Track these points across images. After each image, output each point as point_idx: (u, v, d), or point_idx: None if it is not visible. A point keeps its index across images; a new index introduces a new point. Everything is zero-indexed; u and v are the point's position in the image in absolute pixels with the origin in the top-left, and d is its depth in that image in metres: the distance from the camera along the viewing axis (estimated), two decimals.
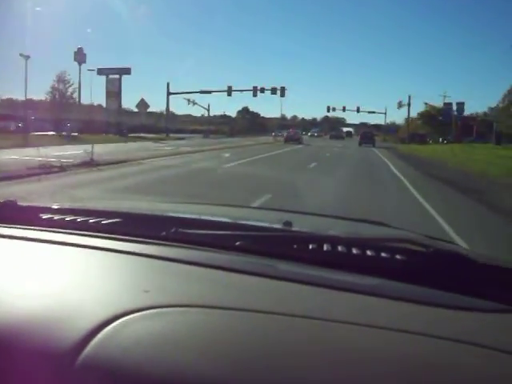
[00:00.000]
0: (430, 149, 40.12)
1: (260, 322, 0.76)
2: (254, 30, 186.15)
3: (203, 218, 1.42)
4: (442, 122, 62.84)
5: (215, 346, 0.69)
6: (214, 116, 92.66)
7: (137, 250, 1.05)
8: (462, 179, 14.56)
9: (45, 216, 1.30)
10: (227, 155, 22.57)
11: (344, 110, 75.61)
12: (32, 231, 1.18)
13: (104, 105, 53.06)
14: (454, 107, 41.09)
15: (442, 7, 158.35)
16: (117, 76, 50.51)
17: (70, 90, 48.02)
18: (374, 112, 79.29)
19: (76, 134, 32.67)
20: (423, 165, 21.03)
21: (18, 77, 53.27)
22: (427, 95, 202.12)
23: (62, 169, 12.38)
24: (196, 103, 64.39)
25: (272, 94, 56.00)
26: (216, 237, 1.11)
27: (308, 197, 9.35)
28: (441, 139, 60.52)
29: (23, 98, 38.22)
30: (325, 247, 1.05)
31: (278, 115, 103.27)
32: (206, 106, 68.84)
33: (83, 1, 77.94)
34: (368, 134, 50.56)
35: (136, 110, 46.70)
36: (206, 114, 72.62)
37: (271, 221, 1.53)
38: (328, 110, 77.48)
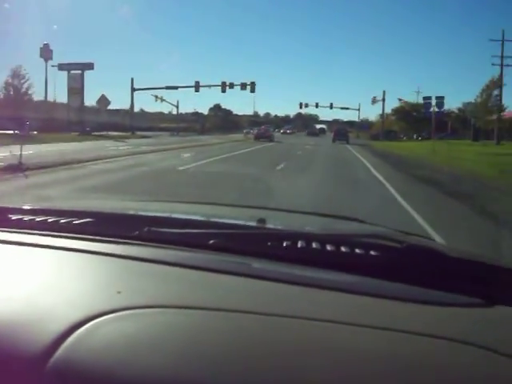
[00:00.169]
0: (407, 146, 39.04)
1: (238, 321, 0.75)
2: (226, 25, 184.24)
3: (176, 216, 1.44)
4: (416, 119, 61.89)
5: (191, 347, 0.68)
6: (186, 113, 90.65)
7: (109, 251, 1.03)
8: (453, 182, 12.55)
9: (14, 217, 1.28)
10: (187, 155, 20.42)
11: (317, 106, 75.38)
12: (0, 233, 1.16)
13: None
14: (433, 102, 39.52)
15: (415, 3, 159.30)
16: (79, 72, 48.48)
17: (26, 85, 45.16)
18: (347, 108, 78.73)
19: (35, 132, 30.55)
20: (403, 164, 19.21)
21: None
22: (400, 92, 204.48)
23: None
24: (164, 100, 62.31)
25: (242, 89, 53.65)
26: (189, 235, 1.11)
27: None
28: (415, 136, 59.68)
29: None
30: (299, 244, 1.04)
31: (250, 112, 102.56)
32: (175, 103, 66.49)
33: None
34: (342, 130, 51.07)
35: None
36: (175, 111, 70.33)
37: (245, 218, 1.52)
38: (301, 107, 77.20)
